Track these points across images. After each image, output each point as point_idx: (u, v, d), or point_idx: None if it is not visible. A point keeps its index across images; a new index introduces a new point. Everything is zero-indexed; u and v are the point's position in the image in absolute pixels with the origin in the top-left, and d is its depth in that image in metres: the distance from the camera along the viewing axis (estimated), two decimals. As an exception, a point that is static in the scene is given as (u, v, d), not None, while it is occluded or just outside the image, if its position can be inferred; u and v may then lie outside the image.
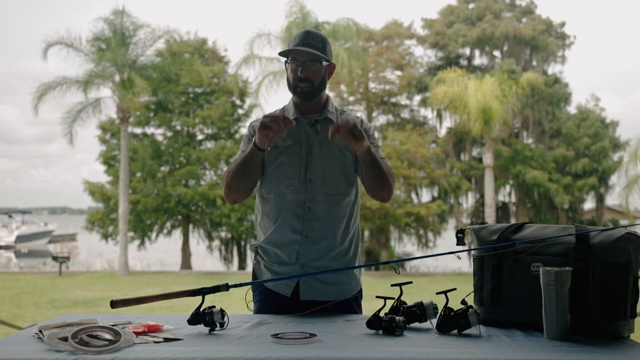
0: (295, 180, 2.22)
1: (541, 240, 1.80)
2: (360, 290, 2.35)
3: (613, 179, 23.99)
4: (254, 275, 2.35)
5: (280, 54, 2.23)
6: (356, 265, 2.31)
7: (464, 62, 26.48)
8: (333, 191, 2.22)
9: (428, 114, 26.36)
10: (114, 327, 1.62)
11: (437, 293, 1.84)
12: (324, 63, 2.23)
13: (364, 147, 2.08)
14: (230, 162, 2.36)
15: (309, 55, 2.19)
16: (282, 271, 2.23)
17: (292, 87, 2.25)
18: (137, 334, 1.69)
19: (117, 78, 17.45)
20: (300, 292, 2.21)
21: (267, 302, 2.25)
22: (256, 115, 22.29)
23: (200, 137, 22.85)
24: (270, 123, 2.04)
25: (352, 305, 2.26)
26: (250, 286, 2.24)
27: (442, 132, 25.76)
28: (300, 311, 2.11)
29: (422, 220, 21.93)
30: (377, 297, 1.86)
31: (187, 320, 1.81)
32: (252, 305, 2.29)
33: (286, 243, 2.22)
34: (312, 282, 2.21)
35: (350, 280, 2.29)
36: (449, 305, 1.76)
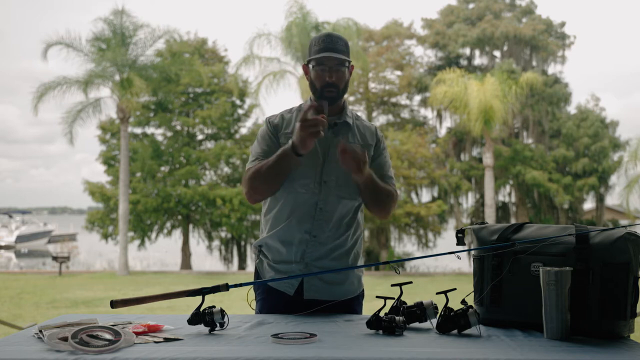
0: (310, 180, 2.22)
1: (541, 240, 1.80)
2: (362, 291, 2.36)
3: (613, 179, 24.02)
4: (257, 274, 2.35)
5: (309, 60, 2.22)
6: (357, 265, 2.31)
7: (464, 62, 26.49)
8: (346, 194, 2.23)
9: (428, 114, 26.40)
10: (114, 327, 1.62)
11: (437, 293, 1.84)
12: (348, 66, 2.24)
13: (363, 177, 2.11)
14: (250, 163, 2.29)
15: (337, 60, 2.20)
16: (286, 270, 2.23)
17: (319, 92, 2.23)
18: (137, 334, 1.69)
19: (117, 78, 17.46)
20: (304, 291, 2.22)
21: (270, 300, 2.25)
22: (256, 115, 22.28)
23: (200, 137, 22.86)
24: (315, 127, 2.02)
25: (353, 305, 2.27)
26: (252, 285, 2.24)
27: (442, 132, 25.79)
28: (302, 309, 2.11)
29: (422, 220, 21.93)
30: (377, 297, 1.86)
31: (187, 320, 1.81)
32: (254, 304, 2.30)
33: (293, 241, 2.23)
34: (316, 281, 2.22)
35: (353, 280, 2.30)
36: (449, 305, 1.76)
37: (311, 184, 2.22)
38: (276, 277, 2.24)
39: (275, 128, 2.31)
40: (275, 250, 2.27)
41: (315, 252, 2.22)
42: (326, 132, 2.23)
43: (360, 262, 2.36)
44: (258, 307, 2.28)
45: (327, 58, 2.19)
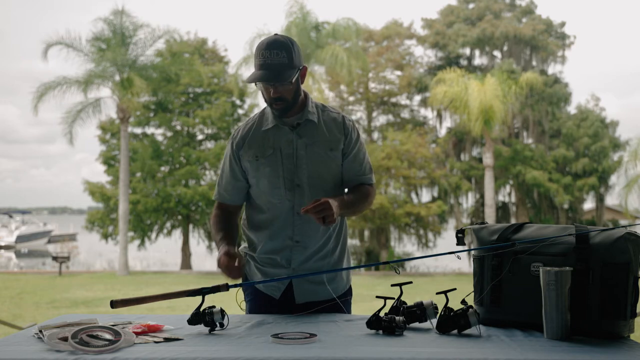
0: (281, 188, 2.20)
1: (541, 240, 1.80)
2: (350, 289, 2.35)
3: (613, 179, 24.02)
4: (244, 276, 2.35)
5: (248, 81, 2.16)
6: (344, 263, 2.31)
7: (464, 62, 26.49)
8: (321, 194, 2.18)
9: (428, 114, 26.41)
10: (114, 327, 1.62)
11: (437, 293, 1.84)
12: (295, 76, 2.14)
13: (335, 222, 2.08)
14: (215, 191, 2.41)
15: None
16: (274, 273, 2.24)
17: (268, 104, 2.21)
18: (137, 334, 1.69)
19: (117, 78, 17.46)
20: (295, 296, 2.22)
21: (258, 303, 2.26)
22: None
23: (200, 137, 22.86)
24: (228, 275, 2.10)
25: (340, 305, 2.25)
26: (241, 287, 2.24)
27: (442, 132, 25.80)
28: (290, 312, 2.12)
29: (422, 220, 21.93)
30: (377, 297, 1.86)
31: (187, 320, 1.81)
32: (244, 305, 2.30)
33: (278, 250, 2.23)
34: (305, 285, 2.22)
35: (342, 276, 2.30)
36: (449, 305, 1.76)
37: (282, 192, 2.20)
38: (263, 280, 2.25)
39: (237, 147, 2.28)
40: (261, 259, 2.28)
41: (301, 257, 2.22)
42: (290, 134, 2.22)
43: (348, 257, 2.35)
44: (247, 308, 2.29)
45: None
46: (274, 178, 2.20)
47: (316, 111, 2.26)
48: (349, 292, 2.34)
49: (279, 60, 2.09)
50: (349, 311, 2.29)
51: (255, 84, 2.14)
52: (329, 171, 2.23)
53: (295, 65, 2.13)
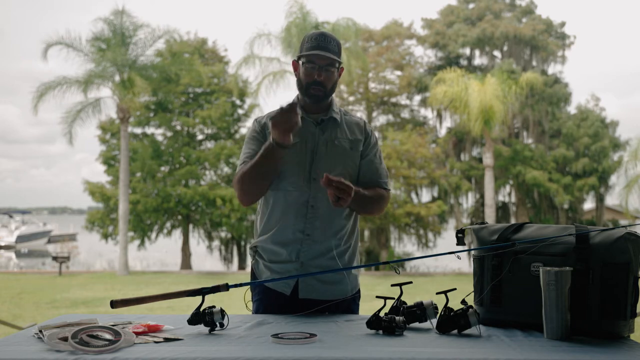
0: (299, 178, 2.22)
1: (541, 240, 1.80)
2: (359, 291, 2.35)
3: (613, 179, 24.01)
4: (253, 274, 2.35)
5: (300, 56, 2.23)
6: (355, 265, 2.31)
7: (464, 62, 26.48)
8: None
9: (428, 114, 26.40)
10: (114, 327, 1.62)
11: (437, 293, 1.84)
12: (338, 67, 2.26)
13: (344, 207, 2.09)
14: (239, 166, 2.31)
15: (327, 60, 2.21)
16: (282, 269, 2.23)
17: (305, 88, 2.25)
18: (137, 334, 1.69)
19: (117, 78, 17.46)
20: (299, 291, 2.21)
21: (267, 301, 2.25)
22: (256, 116, 22.31)
23: (200, 137, 22.85)
24: (282, 117, 2.04)
25: (350, 305, 2.27)
26: (248, 286, 2.24)
27: (442, 132, 25.78)
28: (299, 309, 2.11)
29: (422, 220, 21.91)
30: (377, 297, 1.86)
31: (187, 320, 1.81)
32: (250, 305, 2.30)
33: (288, 241, 2.23)
34: (312, 281, 2.22)
35: (349, 280, 2.29)
36: (449, 305, 1.76)
37: (300, 182, 2.21)
38: (272, 278, 2.24)
39: (263, 128, 2.31)
40: (270, 251, 2.27)
41: (311, 251, 2.21)
42: (313, 128, 2.26)
43: (358, 260, 2.35)
44: (255, 307, 2.28)
45: (318, 56, 2.20)
46: (296, 167, 2.22)
47: (339, 112, 2.35)
48: (357, 294, 2.34)
49: (332, 47, 2.23)
50: (356, 312, 2.30)
51: (302, 63, 2.22)
52: (346, 169, 2.25)
53: (340, 58, 2.26)
